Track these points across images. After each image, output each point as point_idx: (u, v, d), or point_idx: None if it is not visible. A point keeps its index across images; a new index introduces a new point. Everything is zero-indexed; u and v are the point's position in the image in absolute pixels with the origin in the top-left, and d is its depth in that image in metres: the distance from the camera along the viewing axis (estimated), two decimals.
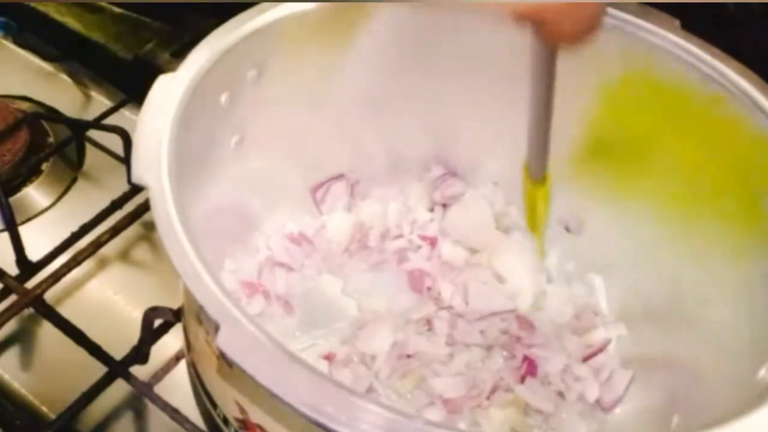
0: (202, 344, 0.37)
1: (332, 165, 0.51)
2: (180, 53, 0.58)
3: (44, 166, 0.61)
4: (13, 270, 0.51)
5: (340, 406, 0.28)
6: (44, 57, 0.70)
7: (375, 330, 0.46)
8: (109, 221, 0.54)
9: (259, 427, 0.35)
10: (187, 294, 0.33)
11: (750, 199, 0.39)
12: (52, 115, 0.65)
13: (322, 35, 0.44)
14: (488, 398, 0.44)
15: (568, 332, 0.47)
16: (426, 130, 0.51)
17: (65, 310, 0.49)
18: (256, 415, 0.35)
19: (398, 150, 0.51)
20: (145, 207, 0.54)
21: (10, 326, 0.49)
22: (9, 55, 0.71)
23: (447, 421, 0.43)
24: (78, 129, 0.62)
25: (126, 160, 0.58)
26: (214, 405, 0.39)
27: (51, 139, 0.63)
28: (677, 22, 0.42)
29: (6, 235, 0.52)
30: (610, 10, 0.42)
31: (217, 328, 0.29)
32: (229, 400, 0.36)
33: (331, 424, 0.27)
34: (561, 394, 0.45)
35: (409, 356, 0.46)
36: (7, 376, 0.49)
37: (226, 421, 0.38)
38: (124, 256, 0.55)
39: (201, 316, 0.35)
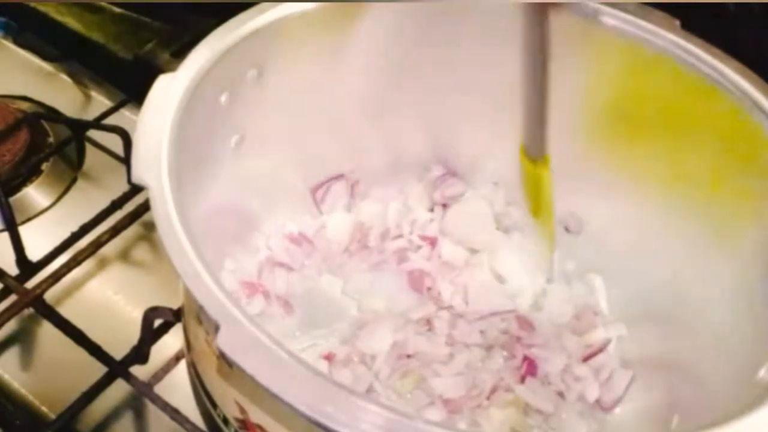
0: (202, 344, 0.37)
1: (332, 165, 0.51)
2: (180, 53, 0.58)
3: (44, 166, 0.61)
4: (13, 270, 0.51)
5: (340, 406, 0.28)
6: (44, 57, 0.70)
7: (375, 330, 0.46)
8: (109, 221, 0.54)
9: (259, 427, 0.35)
10: (187, 294, 0.33)
11: (750, 199, 0.39)
12: (52, 115, 0.65)
13: (322, 35, 0.44)
14: (488, 398, 0.44)
15: (568, 332, 0.47)
16: (426, 130, 0.51)
17: (65, 310, 0.49)
18: (256, 415, 0.35)
19: (398, 150, 0.51)
20: (145, 207, 0.54)
21: (10, 326, 0.49)
22: (9, 55, 0.71)
23: (447, 421, 0.43)
24: (78, 129, 0.62)
25: (126, 160, 0.58)
26: (214, 405, 0.39)
27: (51, 139, 0.63)
28: (677, 22, 0.42)
29: (6, 235, 0.52)
30: (610, 10, 0.42)
31: (217, 328, 0.29)
32: (229, 400, 0.36)
33: (331, 424, 0.27)
34: (561, 394, 0.45)
35: (409, 356, 0.46)
36: (7, 376, 0.49)
37: (226, 421, 0.38)
38: (124, 256, 0.55)
39: (201, 316, 0.35)
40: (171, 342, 0.47)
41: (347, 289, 0.49)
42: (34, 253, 0.52)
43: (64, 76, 0.69)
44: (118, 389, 0.46)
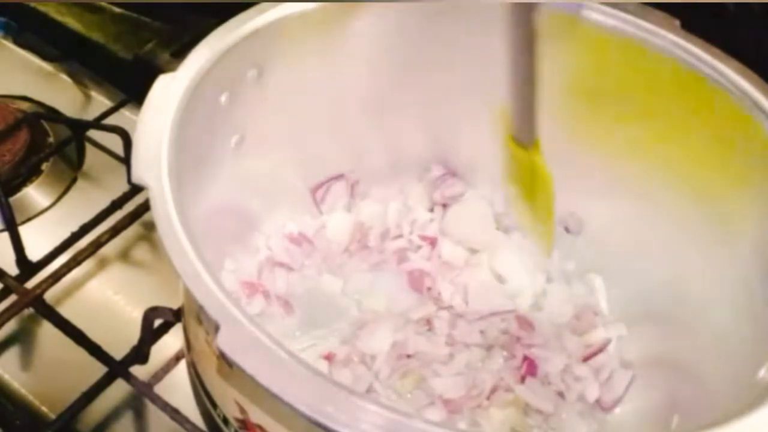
0: (202, 344, 0.37)
1: (332, 165, 0.51)
2: (180, 53, 0.58)
3: (44, 166, 0.61)
4: (13, 270, 0.51)
5: (340, 406, 0.28)
6: (44, 57, 0.70)
7: (375, 330, 0.46)
8: (109, 221, 0.54)
9: (259, 427, 0.35)
10: (187, 294, 0.33)
11: (751, 199, 0.39)
12: (52, 115, 0.65)
13: (322, 35, 0.44)
14: (488, 398, 0.44)
15: (568, 332, 0.47)
16: (426, 130, 0.51)
17: (65, 310, 0.49)
18: (256, 415, 0.35)
19: (398, 150, 0.51)
20: (145, 207, 0.54)
21: (10, 326, 0.49)
22: (9, 55, 0.71)
23: (447, 421, 0.43)
24: (78, 129, 0.62)
25: (126, 160, 0.58)
26: (214, 405, 0.39)
27: (51, 139, 0.63)
28: (677, 22, 0.42)
29: (6, 235, 0.52)
30: (610, 10, 0.42)
31: (217, 328, 0.29)
32: (229, 400, 0.36)
33: (331, 424, 0.27)
34: (561, 394, 0.45)
35: (409, 356, 0.46)
36: (7, 376, 0.49)
37: (226, 421, 0.38)
38: (124, 256, 0.55)
39: (201, 316, 0.35)
40: (171, 342, 0.47)
41: (347, 289, 0.49)
42: (34, 253, 0.52)
43: (64, 76, 0.69)
44: (118, 389, 0.46)
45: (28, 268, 0.51)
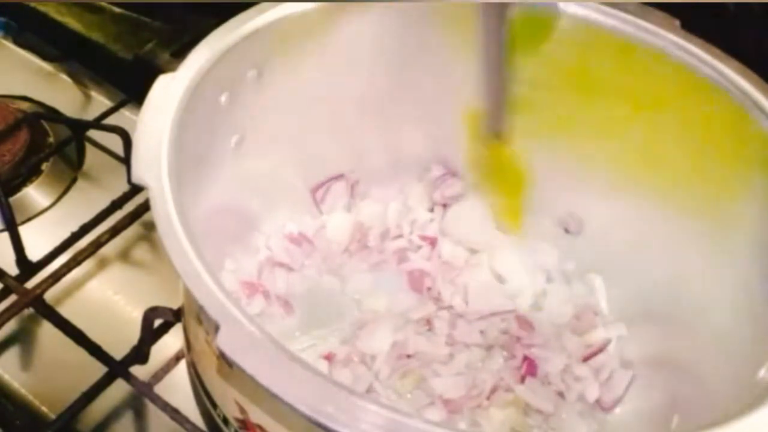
0: (202, 344, 0.37)
1: (332, 165, 0.51)
2: (180, 53, 0.58)
3: (44, 166, 0.61)
4: (13, 270, 0.51)
5: (340, 406, 0.28)
6: (44, 57, 0.70)
7: (375, 330, 0.46)
8: (109, 221, 0.54)
9: (259, 427, 0.35)
10: (187, 294, 0.33)
11: (752, 199, 0.39)
12: (52, 115, 0.65)
13: (323, 35, 0.44)
14: (488, 398, 0.44)
15: (568, 332, 0.47)
16: (426, 130, 0.51)
17: (65, 310, 0.49)
18: (256, 415, 0.35)
19: (398, 150, 0.51)
20: (145, 207, 0.54)
21: (10, 326, 0.49)
22: (9, 55, 0.71)
23: (447, 421, 0.43)
24: (78, 129, 0.62)
25: (126, 160, 0.58)
26: (214, 405, 0.39)
27: (51, 139, 0.63)
28: (677, 22, 0.42)
29: (6, 235, 0.52)
30: (610, 10, 0.42)
31: (217, 328, 0.29)
32: (229, 400, 0.36)
33: (331, 424, 0.27)
34: (561, 394, 0.45)
35: (409, 356, 0.46)
36: (7, 376, 0.49)
37: (226, 421, 0.38)
38: (124, 256, 0.55)
39: (201, 316, 0.35)
40: (171, 342, 0.47)
41: (347, 289, 0.49)
42: (34, 253, 0.52)
43: (64, 76, 0.69)
44: (118, 389, 0.46)
45: (28, 268, 0.51)
